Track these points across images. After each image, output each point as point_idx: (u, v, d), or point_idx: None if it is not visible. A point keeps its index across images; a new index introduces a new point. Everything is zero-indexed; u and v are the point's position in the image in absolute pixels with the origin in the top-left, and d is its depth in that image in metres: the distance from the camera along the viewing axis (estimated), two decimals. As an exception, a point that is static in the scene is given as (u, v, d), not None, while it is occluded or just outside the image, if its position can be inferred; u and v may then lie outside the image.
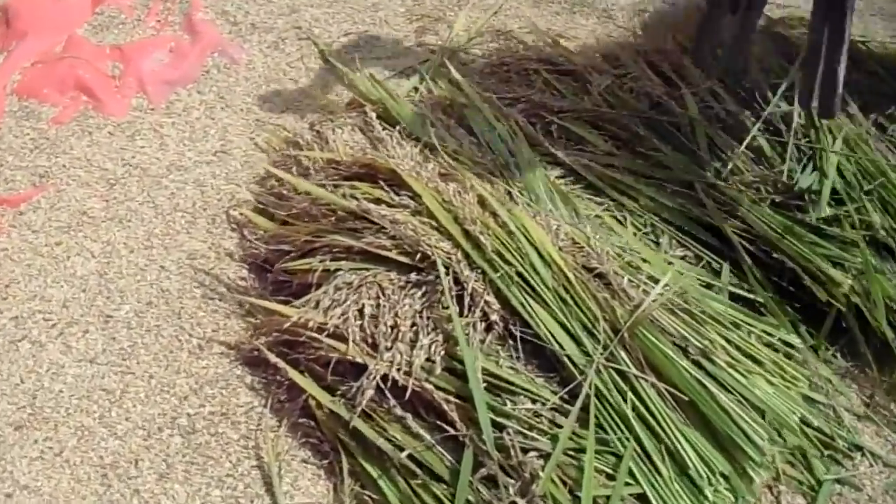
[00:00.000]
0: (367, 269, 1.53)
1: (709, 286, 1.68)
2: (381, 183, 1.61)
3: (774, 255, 1.73)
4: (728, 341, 1.51)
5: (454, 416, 1.39)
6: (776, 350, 1.59)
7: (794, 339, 1.64)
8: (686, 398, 1.40)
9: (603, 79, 2.05)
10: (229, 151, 1.92)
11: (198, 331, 1.62)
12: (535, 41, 2.25)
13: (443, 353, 1.43)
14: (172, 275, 1.71)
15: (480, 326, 1.45)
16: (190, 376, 1.56)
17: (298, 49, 2.19)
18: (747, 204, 1.78)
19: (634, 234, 1.70)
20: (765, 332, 1.61)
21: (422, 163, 1.68)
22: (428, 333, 1.44)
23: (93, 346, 1.60)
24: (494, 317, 1.46)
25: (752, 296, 1.71)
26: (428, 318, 1.46)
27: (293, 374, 1.50)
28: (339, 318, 1.48)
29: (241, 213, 1.79)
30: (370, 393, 1.41)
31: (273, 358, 1.52)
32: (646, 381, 1.40)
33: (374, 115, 1.82)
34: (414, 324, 1.46)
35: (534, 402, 1.40)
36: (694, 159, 1.90)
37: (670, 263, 1.65)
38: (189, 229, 1.78)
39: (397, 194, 1.59)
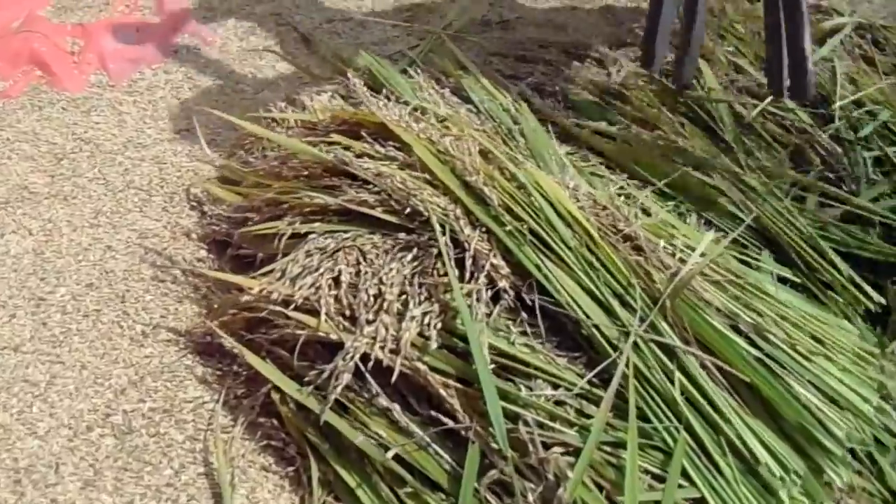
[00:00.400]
0: (346, 232, 1.14)
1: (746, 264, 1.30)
2: (365, 135, 1.24)
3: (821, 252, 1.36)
4: (782, 317, 1.12)
5: (454, 404, 0.99)
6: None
7: (848, 326, 1.26)
8: (746, 380, 1.01)
9: (622, 60, 1.70)
10: (194, 130, 1.55)
11: (143, 316, 1.23)
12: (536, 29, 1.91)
13: (439, 326, 1.04)
14: (119, 255, 1.32)
15: (486, 295, 1.06)
16: (129, 366, 1.17)
17: (277, 34, 1.84)
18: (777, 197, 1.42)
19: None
20: (817, 317, 1.22)
21: (412, 123, 1.30)
22: (420, 303, 1.05)
23: (19, 333, 1.20)
24: (503, 283, 1.07)
25: (797, 279, 1.33)
26: (420, 285, 1.07)
27: (251, 359, 1.10)
28: (310, 288, 1.09)
29: (203, 190, 1.41)
30: (347, 377, 1.02)
31: (228, 341, 1.13)
32: (696, 358, 1.01)
33: (358, 81, 1.45)
34: (403, 292, 1.07)
35: (556, 386, 1.00)
36: (716, 140, 1.55)
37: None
38: (142, 207, 1.40)
39: (383, 146, 1.22)
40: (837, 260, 1.36)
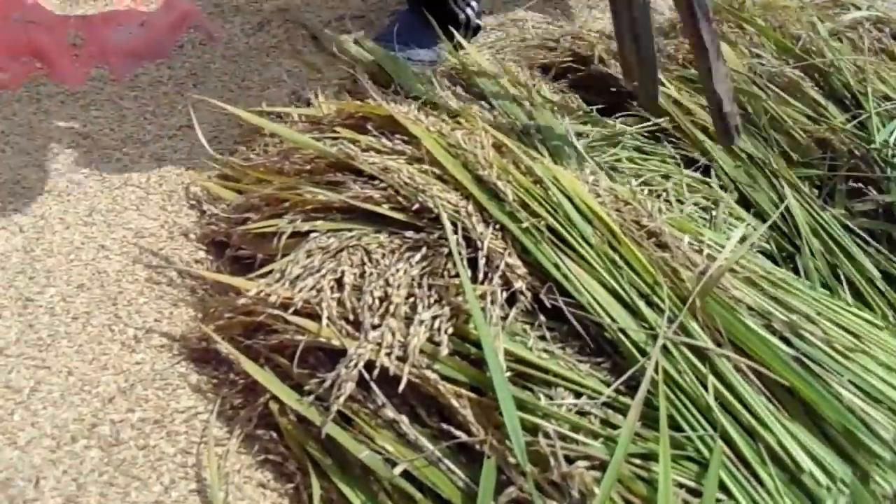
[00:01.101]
0: (350, 230, 1.02)
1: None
2: (370, 129, 1.12)
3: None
4: (818, 313, 1.00)
5: (468, 415, 0.87)
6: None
7: (882, 324, 1.13)
8: (784, 383, 0.89)
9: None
10: (196, 126, 1.44)
11: (136, 319, 1.11)
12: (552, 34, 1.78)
13: (450, 331, 0.92)
14: (113, 254, 1.20)
15: (501, 297, 0.94)
16: (119, 373, 1.05)
17: (286, 31, 1.73)
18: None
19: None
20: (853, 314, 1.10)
21: (422, 118, 1.18)
22: (429, 306, 0.93)
23: (4, 335, 1.08)
24: (519, 284, 0.94)
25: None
26: (430, 286, 0.95)
27: (248, 367, 0.98)
28: (311, 290, 0.97)
29: (203, 188, 1.30)
30: (350, 386, 0.90)
31: (224, 347, 1.01)
32: (729, 360, 0.89)
33: (365, 75, 1.34)
34: (411, 294, 0.95)
35: (578, 394, 0.88)
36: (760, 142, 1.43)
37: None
38: (139, 205, 1.29)
39: (390, 140, 1.10)
40: (862, 257, 1.25)
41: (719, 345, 0.92)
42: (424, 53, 1.58)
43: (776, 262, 1.23)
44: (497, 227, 0.99)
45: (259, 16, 1.76)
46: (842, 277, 1.24)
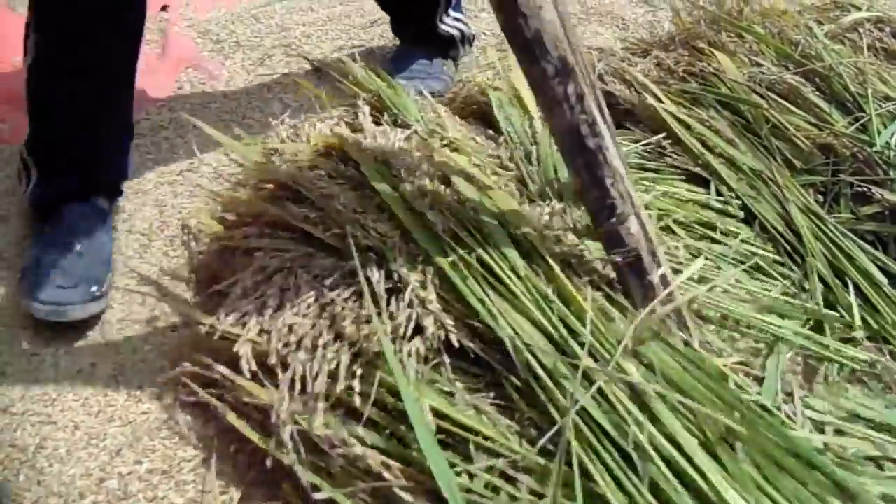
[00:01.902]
0: (288, 251, 1.12)
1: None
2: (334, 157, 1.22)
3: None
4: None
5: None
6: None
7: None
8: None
9: (646, 62, 1.63)
10: (196, 170, 1.54)
11: (140, 368, 1.21)
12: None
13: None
14: (116, 304, 1.30)
15: (419, 343, 1.00)
16: (125, 424, 1.13)
17: (286, 65, 1.82)
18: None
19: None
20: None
21: (407, 149, 1.26)
22: (338, 363, 1.00)
23: (8, 392, 1.16)
24: (448, 321, 1.01)
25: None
26: (337, 336, 1.02)
27: (230, 417, 1.05)
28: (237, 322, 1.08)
29: (202, 231, 1.40)
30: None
31: (204, 396, 1.10)
32: (664, 401, 0.93)
33: (366, 106, 1.42)
34: (315, 346, 1.02)
35: (498, 454, 0.93)
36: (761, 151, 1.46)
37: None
38: (142, 253, 1.39)
39: (345, 166, 1.19)
40: (867, 262, 1.28)
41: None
42: (431, 84, 1.64)
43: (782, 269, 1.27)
44: (421, 259, 1.05)
45: (260, 51, 1.85)
46: (849, 284, 1.27)
